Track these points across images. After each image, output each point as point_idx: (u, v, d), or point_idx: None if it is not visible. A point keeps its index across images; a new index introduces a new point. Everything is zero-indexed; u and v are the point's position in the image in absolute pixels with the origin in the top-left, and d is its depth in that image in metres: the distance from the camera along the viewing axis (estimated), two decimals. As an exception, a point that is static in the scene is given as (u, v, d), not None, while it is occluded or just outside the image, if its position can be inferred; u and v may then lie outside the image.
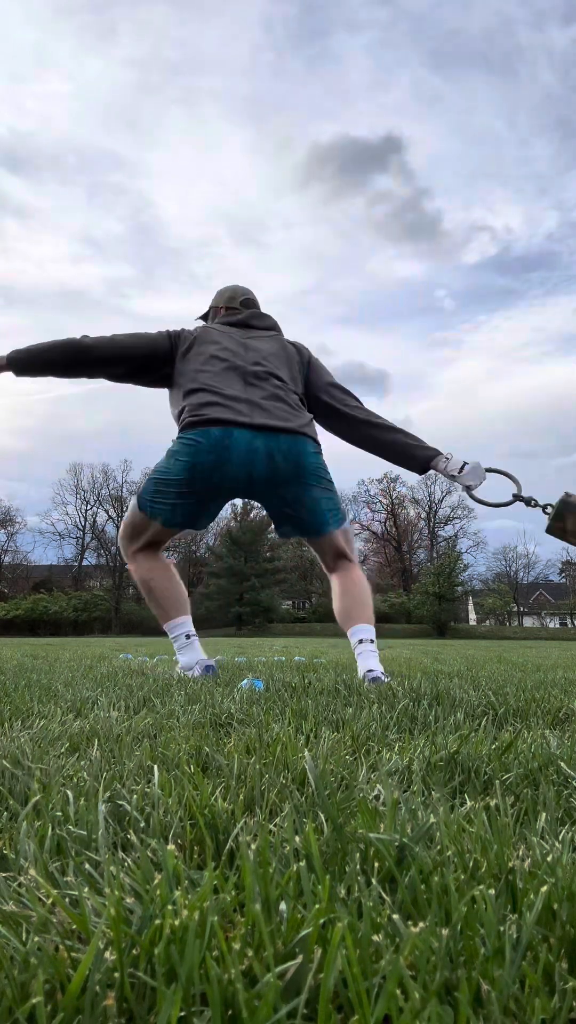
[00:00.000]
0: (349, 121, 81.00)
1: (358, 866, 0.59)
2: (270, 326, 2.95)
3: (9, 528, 51.19)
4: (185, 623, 2.72)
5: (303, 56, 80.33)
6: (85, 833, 0.70)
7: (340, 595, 2.68)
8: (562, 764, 1.00)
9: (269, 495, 2.66)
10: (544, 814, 0.77)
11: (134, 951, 0.45)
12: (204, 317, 3.08)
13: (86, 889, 0.55)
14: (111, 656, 4.73)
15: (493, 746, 1.11)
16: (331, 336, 79.67)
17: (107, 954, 0.44)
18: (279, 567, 48.44)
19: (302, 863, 0.55)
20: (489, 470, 2.85)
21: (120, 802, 0.79)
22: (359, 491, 56.92)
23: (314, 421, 2.76)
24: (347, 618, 2.63)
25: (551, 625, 50.51)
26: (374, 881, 0.57)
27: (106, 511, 52.27)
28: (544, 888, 0.52)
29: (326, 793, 0.80)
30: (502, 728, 1.44)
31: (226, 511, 51.69)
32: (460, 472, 2.73)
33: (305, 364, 2.87)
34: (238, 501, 50.64)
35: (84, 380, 2.88)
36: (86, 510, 52.30)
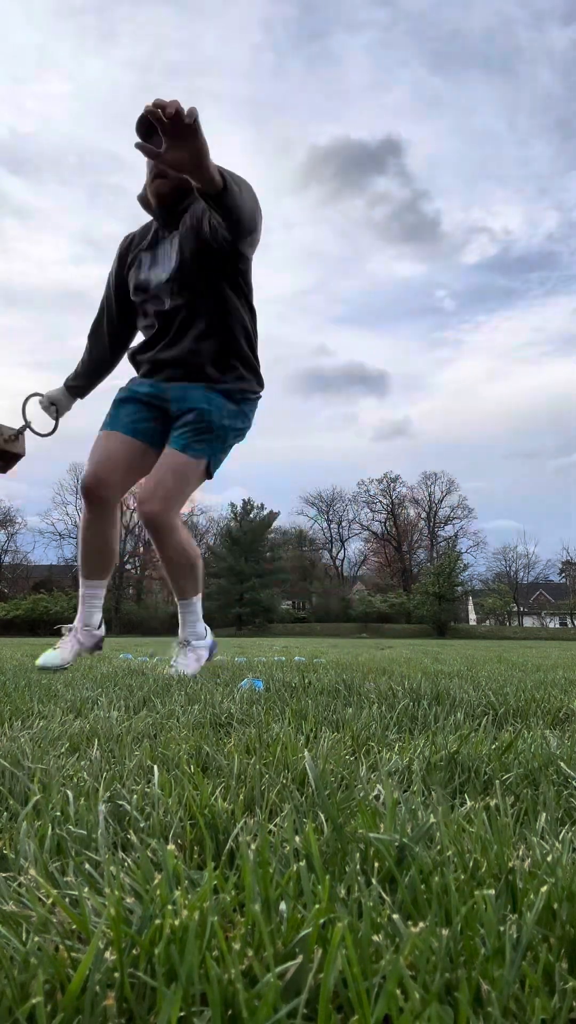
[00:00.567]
0: (349, 122, 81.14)
1: (358, 866, 0.59)
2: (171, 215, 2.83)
3: (9, 528, 51.22)
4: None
5: (303, 57, 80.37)
6: (85, 833, 0.70)
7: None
8: (562, 764, 1.00)
9: None
10: (544, 814, 0.77)
11: (134, 951, 0.45)
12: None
13: (86, 889, 0.55)
14: (111, 656, 4.73)
15: (493, 746, 1.11)
16: (331, 336, 79.75)
17: (107, 954, 0.44)
18: (279, 567, 48.44)
19: (302, 863, 0.55)
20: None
21: (120, 802, 0.79)
22: (359, 491, 56.97)
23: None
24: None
25: (551, 625, 50.50)
26: (374, 881, 0.57)
27: (106, 511, 52.06)
28: (544, 888, 0.52)
29: (326, 793, 0.80)
30: (502, 728, 1.44)
31: (226, 511, 51.73)
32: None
33: None
34: (238, 501, 50.69)
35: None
36: (86, 510, 52.09)
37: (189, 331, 2.65)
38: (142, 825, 0.73)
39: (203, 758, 1.06)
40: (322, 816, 0.72)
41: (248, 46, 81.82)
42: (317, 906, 0.48)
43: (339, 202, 74.85)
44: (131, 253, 2.81)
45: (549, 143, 78.54)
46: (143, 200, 2.76)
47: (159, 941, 0.45)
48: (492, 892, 0.51)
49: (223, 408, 2.67)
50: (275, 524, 51.95)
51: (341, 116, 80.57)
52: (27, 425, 2.76)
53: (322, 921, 0.47)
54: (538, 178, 78.19)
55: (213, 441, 2.64)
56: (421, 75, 78.98)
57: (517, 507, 76.67)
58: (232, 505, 51.08)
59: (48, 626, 41.35)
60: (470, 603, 51.49)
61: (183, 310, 2.64)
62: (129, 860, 0.63)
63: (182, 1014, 0.41)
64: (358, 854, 0.62)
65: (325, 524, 56.29)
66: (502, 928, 0.48)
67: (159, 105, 1.89)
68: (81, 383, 3.02)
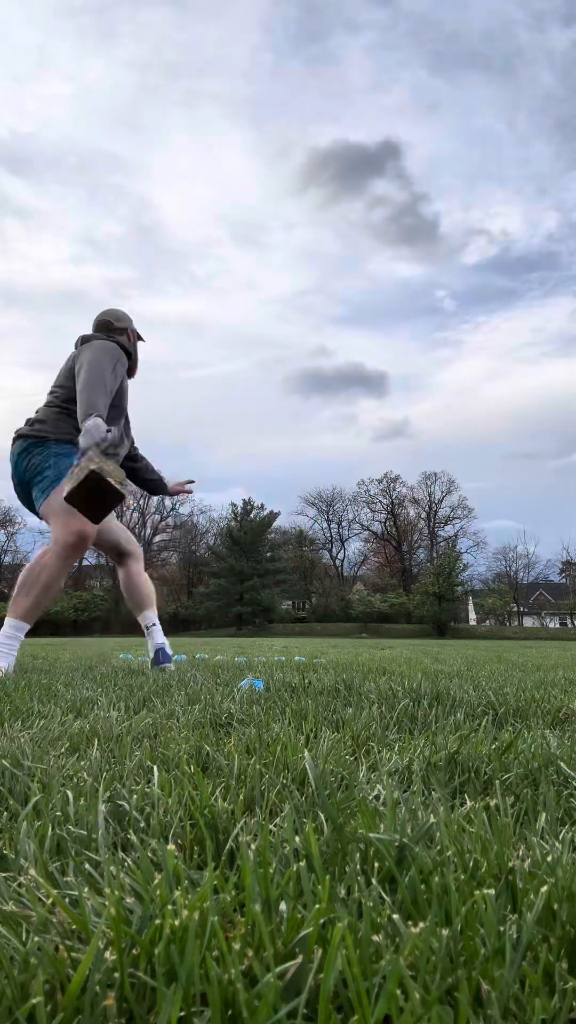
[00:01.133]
0: (349, 123, 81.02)
1: (358, 866, 0.59)
2: (77, 342, 3.24)
3: (9, 528, 51.25)
4: None
5: (303, 58, 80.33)
6: (85, 833, 0.70)
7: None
8: (562, 764, 1.00)
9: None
10: (544, 814, 0.77)
11: (134, 951, 0.45)
12: (117, 331, 3.36)
13: (86, 889, 0.55)
14: (111, 656, 4.73)
15: (493, 746, 1.11)
16: (331, 336, 79.79)
17: (107, 954, 0.44)
18: (279, 567, 48.45)
19: (302, 863, 0.55)
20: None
21: (120, 802, 0.79)
22: (359, 491, 57.00)
23: (56, 417, 3.10)
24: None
25: (551, 625, 50.50)
26: (374, 881, 0.57)
27: (106, 511, 52.09)
28: (544, 888, 0.52)
29: (326, 793, 0.80)
30: (502, 728, 1.44)
31: (226, 511, 51.77)
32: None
33: (71, 360, 3.18)
34: (238, 501, 50.75)
35: None
36: (86, 510, 52.12)
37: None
38: (142, 825, 0.73)
39: (203, 758, 1.06)
40: (322, 816, 0.72)
41: (248, 46, 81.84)
42: (317, 906, 0.48)
43: (338, 205, 74.90)
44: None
45: (549, 143, 78.57)
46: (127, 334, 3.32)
47: (159, 941, 0.45)
48: (492, 892, 0.51)
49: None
50: (275, 524, 52.02)
51: (341, 117, 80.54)
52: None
53: (322, 921, 0.47)
54: (538, 178, 78.23)
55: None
56: (421, 76, 79.00)
57: (517, 507, 76.76)
58: (232, 505, 51.15)
59: (48, 626, 41.35)
60: (470, 603, 51.50)
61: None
62: (129, 860, 0.63)
63: (182, 1014, 0.41)
64: (358, 854, 0.62)
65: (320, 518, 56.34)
66: (502, 928, 0.48)
67: None
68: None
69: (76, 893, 0.53)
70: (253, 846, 0.58)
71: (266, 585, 46.45)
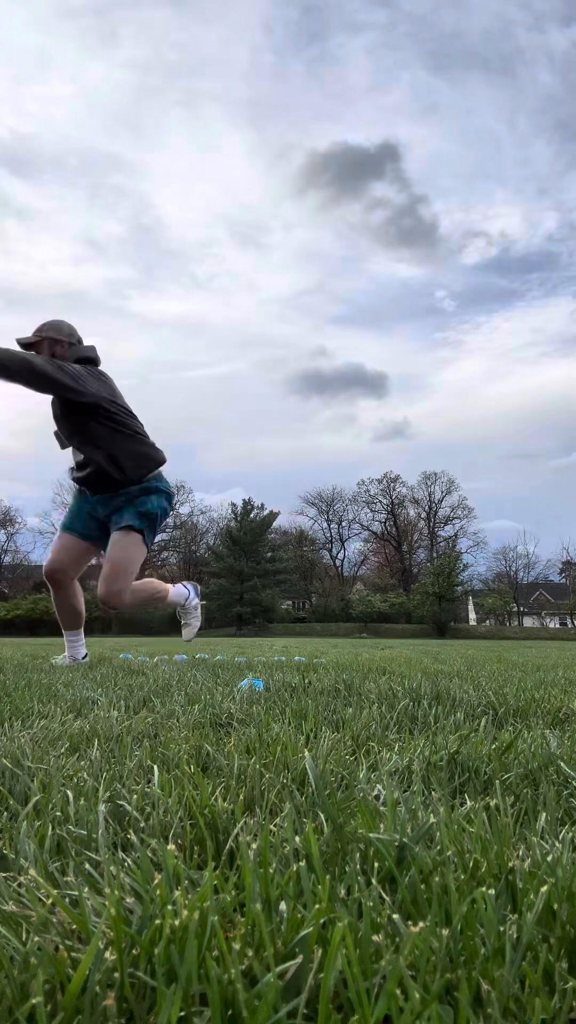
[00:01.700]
0: (348, 125, 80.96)
1: (358, 866, 0.59)
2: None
3: (9, 528, 51.25)
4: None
5: (303, 58, 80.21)
6: (85, 833, 0.70)
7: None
8: (562, 764, 1.00)
9: None
10: (544, 814, 0.77)
11: (134, 951, 0.45)
12: (27, 345, 3.62)
13: (86, 889, 0.55)
14: (111, 656, 4.73)
15: (493, 746, 1.11)
16: (330, 337, 79.75)
17: (107, 954, 0.44)
18: (279, 567, 48.44)
19: (302, 863, 0.55)
20: None
21: (120, 802, 0.79)
22: (359, 491, 57.00)
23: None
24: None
25: (551, 625, 50.48)
26: (374, 881, 0.57)
27: (106, 511, 52.12)
28: (544, 888, 0.52)
29: (326, 793, 0.80)
30: (502, 728, 1.44)
31: (226, 511, 51.82)
32: None
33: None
34: (238, 501, 50.77)
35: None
36: (86, 510, 52.12)
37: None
38: (142, 825, 0.73)
39: (203, 758, 1.06)
40: (322, 816, 0.72)
41: (248, 47, 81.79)
42: (317, 906, 0.48)
43: (337, 206, 74.83)
44: None
45: (549, 144, 78.48)
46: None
47: (159, 941, 0.45)
48: (492, 892, 0.51)
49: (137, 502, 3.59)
50: (275, 524, 52.01)
51: (341, 118, 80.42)
52: None
53: (322, 921, 0.47)
54: (538, 179, 78.15)
55: (150, 522, 3.53)
56: (421, 76, 78.88)
57: (517, 507, 76.71)
58: (232, 505, 51.12)
59: (48, 626, 41.37)
60: (470, 603, 51.49)
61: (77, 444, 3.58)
62: (129, 860, 0.63)
63: (182, 1014, 0.41)
64: (358, 854, 0.62)
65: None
66: (502, 928, 0.48)
67: None
68: None
69: (76, 893, 0.53)
70: (253, 846, 0.59)
71: (266, 585, 46.44)
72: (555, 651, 8.62)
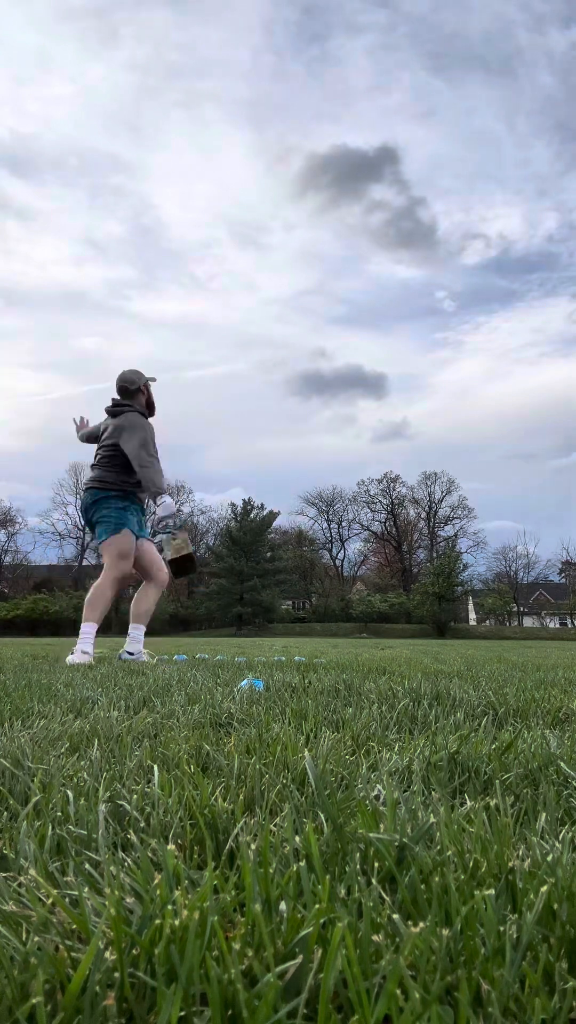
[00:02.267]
0: (348, 126, 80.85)
1: (358, 866, 0.59)
2: (110, 410, 4.51)
3: (9, 528, 51.23)
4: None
5: (303, 59, 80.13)
6: (85, 833, 0.70)
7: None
8: (562, 764, 1.00)
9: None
10: (544, 814, 0.77)
11: (134, 951, 0.45)
12: (131, 393, 4.56)
13: (86, 889, 0.55)
14: (111, 656, 4.73)
15: (493, 746, 1.11)
16: (330, 337, 79.73)
17: (107, 954, 0.44)
18: (279, 567, 48.43)
19: (302, 863, 0.55)
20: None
21: (120, 802, 0.79)
22: (359, 491, 56.99)
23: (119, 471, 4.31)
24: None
25: (551, 625, 50.47)
26: (374, 881, 0.57)
27: (106, 511, 52.16)
28: (544, 888, 0.52)
29: (326, 793, 0.80)
30: (502, 728, 1.44)
31: (226, 511, 51.84)
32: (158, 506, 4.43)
33: (112, 428, 4.39)
34: (238, 501, 50.80)
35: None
36: (86, 510, 52.16)
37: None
38: (142, 825, 0.73)
39: (203, 758, 1.06)
40: (322, 816, 0.72)
41: (248, 48, 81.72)
42: (317, 906, 0.48)
43: (337, 209, 74.76)
44: None
45: (549, 144, 78.42)
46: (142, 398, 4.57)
47: (159, 941, 0.45)
48: (492, 892, 0.51)
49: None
50: (275, 524, 52.01)
51: (340, 119, 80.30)
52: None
53: (322, 921, 0.47)
54: (537, 179, 78.13)
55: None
56: (421, 77, 78.85)
57: (517, 507, 76.70)
58: (232, 505, 51.11)
59: (48, 626, 41.39)
60: (470, 603, 51.47)
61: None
62: (129, 860, 0.63)
63: (182, 1014, 0.41)
64: (358, 854, 0.62)
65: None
66: (502, 928, 0.48)
67: None
68: None
69: (76, 893, 0.53)
70: (253, 846, 0.59)
71: (266, 585, 46.43)
72: (555, 651, 8.62)
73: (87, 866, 0.61)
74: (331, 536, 57.42)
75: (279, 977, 0.43)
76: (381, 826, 0.67)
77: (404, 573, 54.23)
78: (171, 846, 0.59)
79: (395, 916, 0.48)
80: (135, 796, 0.80)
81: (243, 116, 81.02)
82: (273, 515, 50.96)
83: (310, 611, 49.97)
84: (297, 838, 0.64)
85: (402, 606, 45.81)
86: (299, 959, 0.44)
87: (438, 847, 0.64)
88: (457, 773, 0.98)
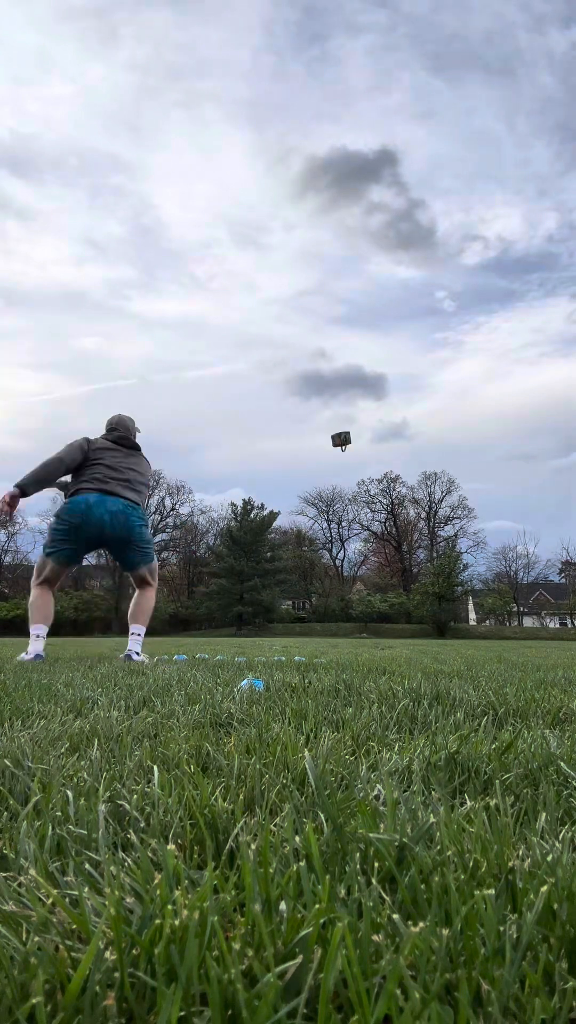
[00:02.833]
0: (348, 126, 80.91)
1: (358, 866, 0.59)
2: (134, 446, 4.78)
3: (9, 528, 51.22)
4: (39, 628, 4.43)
5: (303, 59, 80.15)
6: (85, 833, 0.70)
7: (133, 601, 4.66)
8: (562, 764, 1.00)
9: (111, 544, 4.43)
10: (544, 814, 0.77)
11: (134, 951, 0.45)
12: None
13: (86, 889, 0.55)
14: (111, 656, 4.73)
15: (493, 746, 1.11)
16: (329, 338, 79.71)
17: (107, 954, 0.44)
18: (279, 567, 48.42)
19: (302, 863, 0.55)
20: None
21: (120, 802, 0.79)
22: (359, 491, 56.98)
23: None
24: (131, 616, 4.59)
25: (551, 625, 50.45)
26: (374, 881, 0.57)
27: (106, 511, 52.12)
28: (544, 888, 0.52)
29: (326, 793, 0.80)
30: (502, 728, 1.44)
31: (226, 511, 51.83)
32: None
33: (142, 464, 4.76)
34: (238, 501, 50.77)
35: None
36: (86, 510, 52.08)
37: None
38: (142, 825, 0.73)
39: (203, 758, 1.06)
40: (322, 816, 0.72)
41: (248, 48, 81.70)
42: (317, 906, 0.48)
43: (336, 210, 74.76)
44: None
45: (549, 145, 78.45)
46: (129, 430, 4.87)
47: (159, 941, 0.45)
48: (492, 892, 0.51)
49: None
50: (275, 524, 51.99)
51: (340, 119, 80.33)
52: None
53: (322, 921, 0.47)
54: (537, 179, 78.16)
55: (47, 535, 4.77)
56: (421, 77, 78.87)
57: (517, 507, 76.73)
58: (232, 505, 51.12)
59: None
60: (470, 603, 51.45)
61: None
62: (129, 860, 0.63)
63: (182, 1014, 0.41)
64: (358, 854, 0.62)
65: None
66: (502, 928, 0.48)
67: None
68: None
69: (76, 893, 0.53)
70: (253, 846, 0.59)
71: (266, 585, 46.43)
72: (555, 651, 8.62)
73: (87, 866, 0.61)
74: (331, 536, 57.43)
75: (279, 977, 0.43)
76: (381, 826, 0.67)
77: (404, 573, 54.22)
78: (171, 846, 0.59)
79: (395, 916, 0.48)
80: (135, 796, 0.80)
81: (243, 116, 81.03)
82: (273, 515, 50.96)
83: (310, 611, 49.97)
84: (297, 838, 0.64)
85: (402, 606, 45.81)
86: (299, 959, 0.44)
87: (438, 847, 0.64)
88: (457, 773, 0.98)
